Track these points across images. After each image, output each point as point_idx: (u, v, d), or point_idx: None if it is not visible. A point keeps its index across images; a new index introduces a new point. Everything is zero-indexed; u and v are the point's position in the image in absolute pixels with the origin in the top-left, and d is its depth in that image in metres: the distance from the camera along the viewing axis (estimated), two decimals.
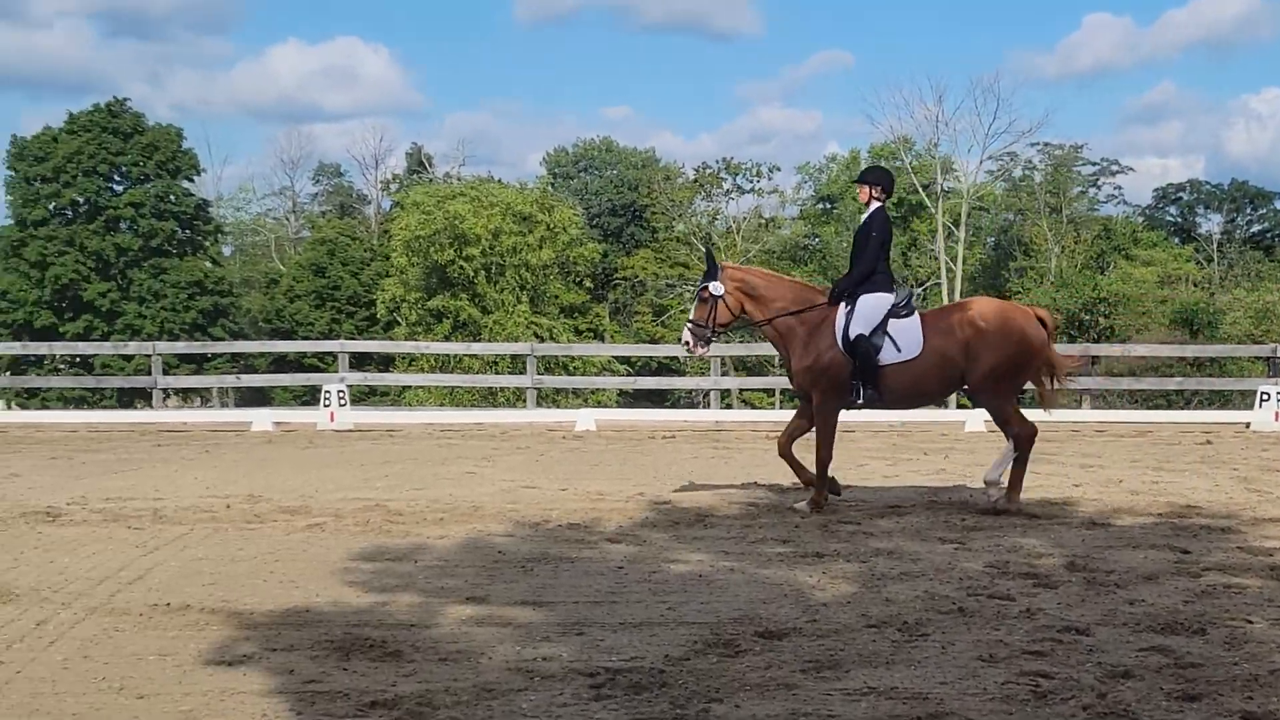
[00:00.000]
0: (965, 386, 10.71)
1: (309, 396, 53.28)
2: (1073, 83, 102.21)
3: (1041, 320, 10.74)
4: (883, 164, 52.76)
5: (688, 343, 10.92)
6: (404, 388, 47.02)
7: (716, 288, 10.73)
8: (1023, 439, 10.45)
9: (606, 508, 10.65)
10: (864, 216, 10.85)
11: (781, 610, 6.79)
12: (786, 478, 11.46)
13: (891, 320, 10.38)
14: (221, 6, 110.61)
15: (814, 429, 10.72)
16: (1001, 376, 10.38)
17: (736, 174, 72.00)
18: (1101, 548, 8.70)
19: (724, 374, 32.55)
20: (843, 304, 10.50)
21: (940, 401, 14.49)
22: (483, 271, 49.29)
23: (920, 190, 65.82)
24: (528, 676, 5.46)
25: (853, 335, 10.32)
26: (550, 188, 65.49)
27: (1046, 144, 70.19)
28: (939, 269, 65.30)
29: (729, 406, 41.39)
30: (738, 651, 5.92)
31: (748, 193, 72.93)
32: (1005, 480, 10.47)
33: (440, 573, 7.80)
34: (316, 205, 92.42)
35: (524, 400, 29.26)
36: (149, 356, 23.78)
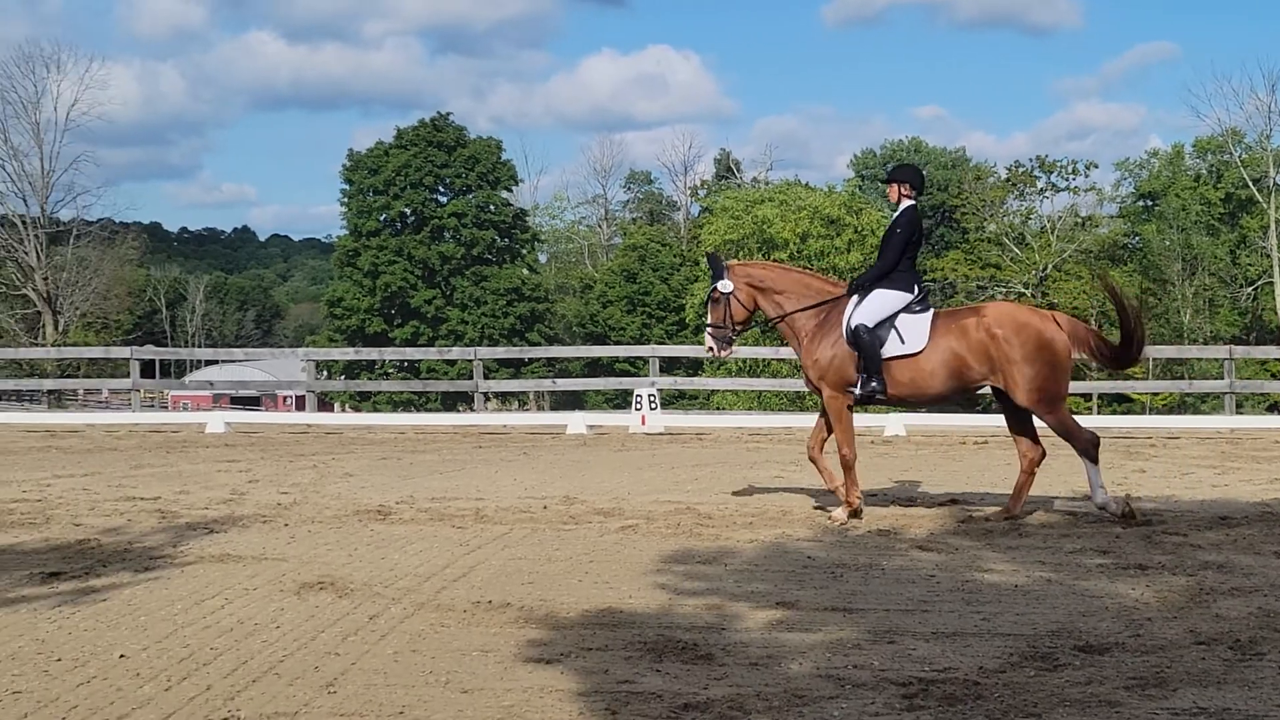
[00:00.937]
0: (992, 392, 10.38)
1: (621, 400, 54.49)
2: None
3: (1059, 324, 10.28)
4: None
5: (711, 348, 10.91)
6: (712, 391, 47.48)
7: (725, 285, 10.69)
8: (1089, 447, 10.10)
9: (916, 514, 10.50)
10: (894, 214, 10.69)
11: (1102, 624, 6.54)
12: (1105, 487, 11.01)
13: (902, 314, 10.25)
14: (541, 21, 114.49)
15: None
16: (1039, 387, 10.01)
17: (1051, 172, 69.78)
18: None
19: None
20: (855, 298, 10.38)
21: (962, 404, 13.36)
22: None
23: (1250, 185, 62.26)
24: (838, 684, 5.42)
25: (854, 325, 10.20)
26: (858, 190, 64.90)
27: None
28: (1271, 267, 61.62)
29: None
30: (1056, 665, 5.73)
31: (1063, 191, 70.56)
32: (1106, 490, 10.18)
33: (749, 577, 7.84)
34: (627, 212, 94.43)
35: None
36: (470, 361, 24.74)
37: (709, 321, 10.89)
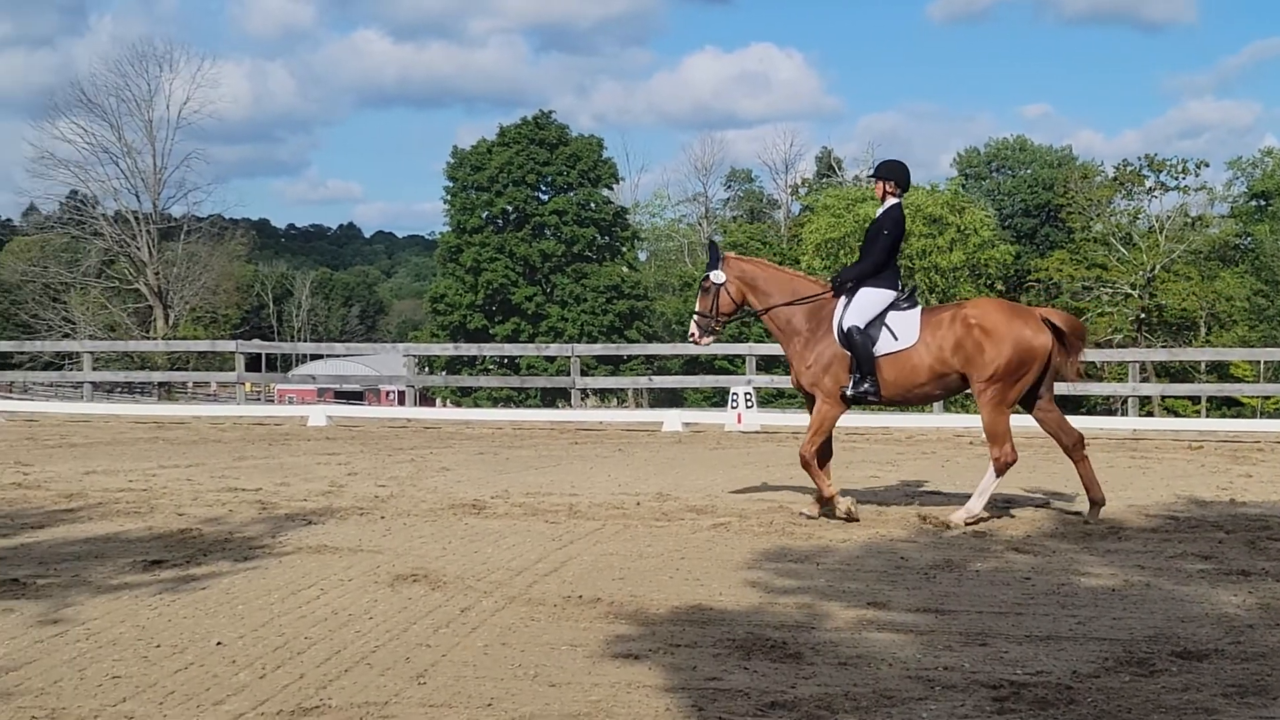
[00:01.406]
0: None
1: (718, 398, 54.44)
2: None
3: (1051, 322, 10.15)
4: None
5: (693, 334, 10.98)
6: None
7: (718, 276, 10.77)
8: (1000, 465, 10.06)
9: (1015, 516, 10.36)
10: (879, 211, 10.69)
11: (1201, 630, 6.40)
12: (1207, 491, 10.81)
13: (892, 312, 10.26)
14: (644, 18, 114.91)
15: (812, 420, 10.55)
16: (993, 380, 9.96)
17: (1160, 171, 68.39)
18: None
19: (1143, 379, 30.99)
20: (842, 299, 10.37)
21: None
22: None
23: None
24: (928, 685, 5.37)
25: (846, 327, 10.21)
26: (961, 189, 64.14)
27: None
28: None
29: (1149, 414, 39.36)
30: (1152, 671, 5.63)
31: (1172, 190, 69.14)
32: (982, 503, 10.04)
33: (841, 576, 7.79)
34: (728, 210, 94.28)
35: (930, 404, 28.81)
36: (569, 358, 24.86)
37: (696, 309, 11.02)
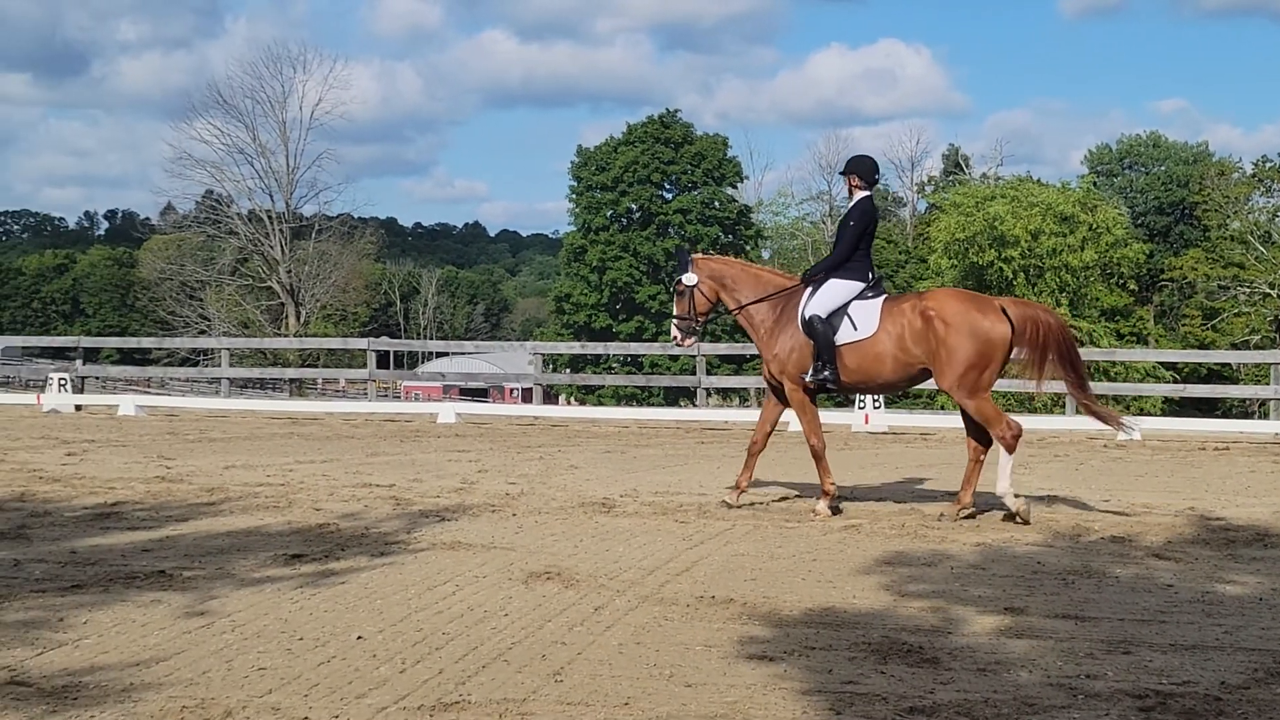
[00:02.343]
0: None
1: (841, 398, 53.98)
2: None
3: (1005, 312, 10.20)
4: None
5: (675, 338, 11.28)
6: (936, 390, 46.68)
7: (689, 279, 11.02)
8: (1008, 442, 10.21)
9: (1152, 522, 10.14)
10: (849, 205, 10.86)
11: None
12: None
13: (856, 302, 10.44)
14: (769, 16, 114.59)
15: (800, 422, 10.95)
16: (960, 374, 10.04)
17: None
18: None
19: None
20: (809, 289, 10.59)
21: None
22: (1021, 274, 48.00)
23: None
24: (1070, 694, 5.28)
25: (808, 315, 10.42)
26: (1093, 186, 62.83)
27: None
28: None
29: None
30: None
31: None
32: (1010, 485, 10.17)
33: (975, 580, 7.69)
34: None
35: (1062, 406, 28.29)
36: (693, 357, 24.85)
37: (674, 313, 11.26)
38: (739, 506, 10.74)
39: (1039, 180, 58.45)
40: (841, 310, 10.43)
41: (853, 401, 21.70)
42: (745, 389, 52.84)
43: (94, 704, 5.03)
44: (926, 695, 5.25)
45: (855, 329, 10.36)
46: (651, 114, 69.51)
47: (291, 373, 34.46)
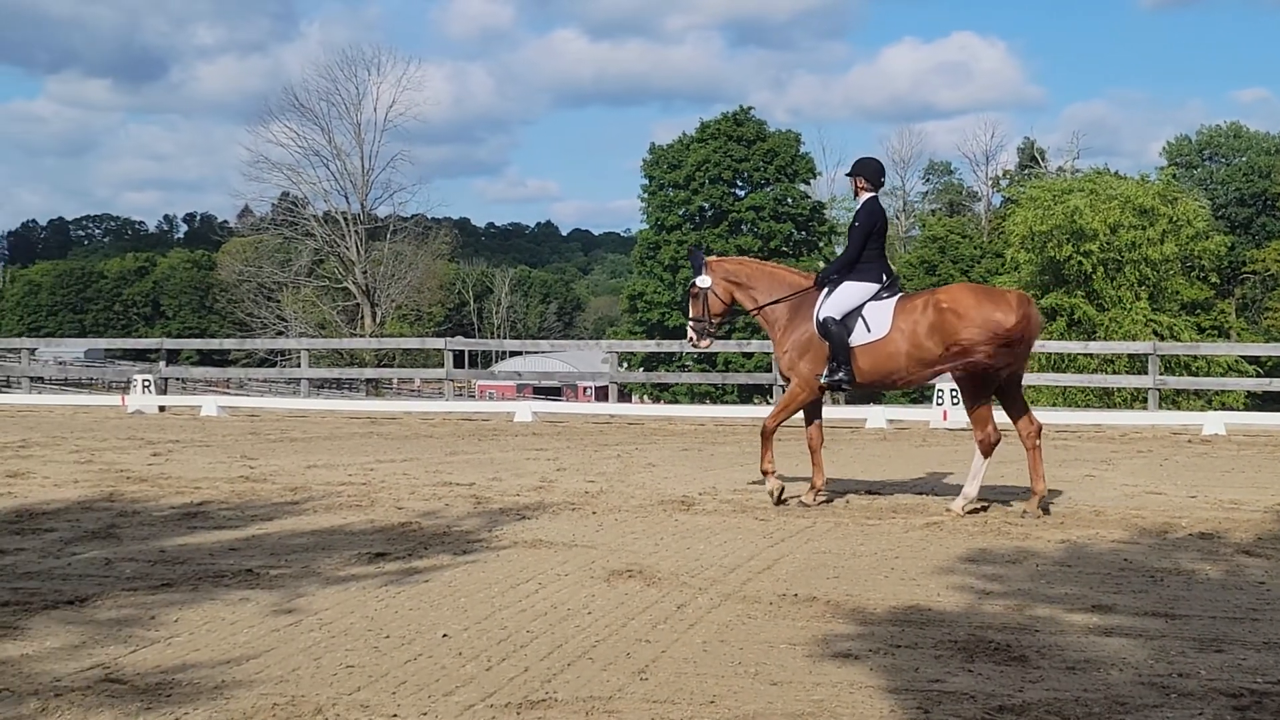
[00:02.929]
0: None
1: (916, 394, 53.57)
2: None
3: (1012, 304, 10.25)
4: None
5: (691, 339, 11.42)
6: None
7: (704, 281, 11.19)
8: (985, 446, 10.34)
9: (1241, 518, 9.98)
10: (856, 208, 11.00)
11: None
12: None
13: (870, 303, 10.57)
14: (841, 11, 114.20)
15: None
16: (968, 362, 10.10)
17: None
18: None
19: None
20: (824, 290, 10.74)
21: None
22: (1100, 267, 47.32)
23: None
24: (1163, 692, 5.20)
25: (822, 318, 10.57)
26: (1173, 178, 61.83)
27: None
28: None
29: None
30: None
31: None
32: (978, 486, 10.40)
33: (1062, 578, 7.60)
34: (926, 204, 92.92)
35: (1143, 401, 27.97)
36: (768, 354, 24.78)
37: (690, 315, 11.39)
38: (815, 505, 10.72)
39: (1116, 173, 57.59)
40: (856, 312, 10.59)
41: (931, 397, 21.55)
42: None
43: (187, 701, 5.10)
44: (1015, 694, 5.20)
45: (869, 330, 10.51)
46: (724, 111, 69.36)
47: (369, 372, 34.77)
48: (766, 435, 11.00)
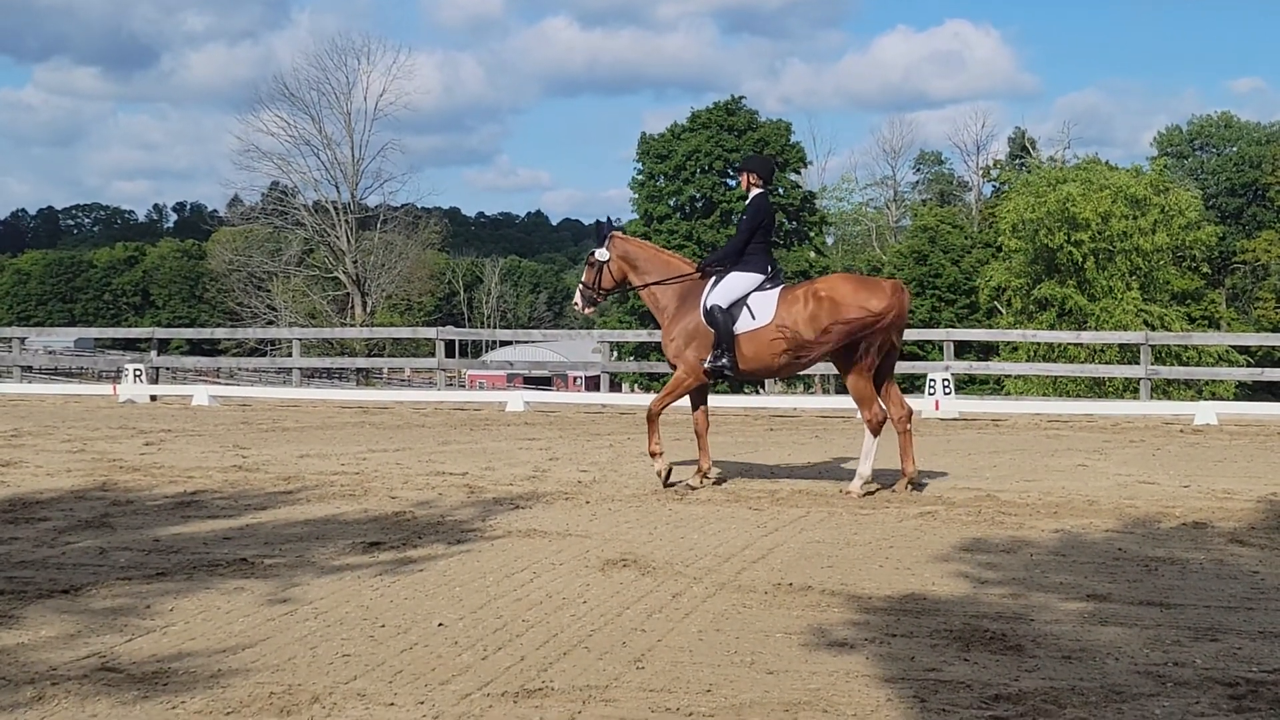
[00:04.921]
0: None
1: (907, 384, 53.67)
2: None
3: (887, 292, 10.76)
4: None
5: (577, 303, 11.97)
6: (1004, 376, 46.22)
7: (602, 254, 11.68)
8: (873, 425, 10.78)
9: (1234, 508, 10.00)
10: (746, 202, 11.44)
11: None
12: None
13: (755, 294, 10.98)
14: None
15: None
16: (846, 348, 10.61)
17: None
18: None
19: None
20: (711, 280, 11.14)
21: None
22: (1092, 257, 47.38)
23: None
24: (1159, 681, 5.21)
25: (709, 305, 10.95)
26: (1165, 169, 61.90)
27: None
28: None
29: None
30: None
31: None
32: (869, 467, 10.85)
33: (1057, 567, 7.61)
34: (917, 194, 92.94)
35: (1135, 391, 28.03)
36: None
37: (582, 279, 11.96)
38: (702, 486, 11.18)
39: (1108, 163, 57.64)
40: (741, 301, 10.98)
41: (923, 387, 21.58)
42: (810, 376, 52.68)
43: (184, 690, 5.10)
44: (1011, 683, 5.21)
45: (753, 318, 10.92)
46: (716, 100, 69.33)
47: (362, 362, 34.69)
48: (652, 418, 11.42)
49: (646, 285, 11.53)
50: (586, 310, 12.04)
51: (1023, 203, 48.37)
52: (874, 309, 10.57)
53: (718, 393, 43.57)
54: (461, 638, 5.93)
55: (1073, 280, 48.39)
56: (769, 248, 11.36)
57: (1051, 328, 46.16)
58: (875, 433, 10.82)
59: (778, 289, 11.03)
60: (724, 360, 10.91)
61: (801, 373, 12.40)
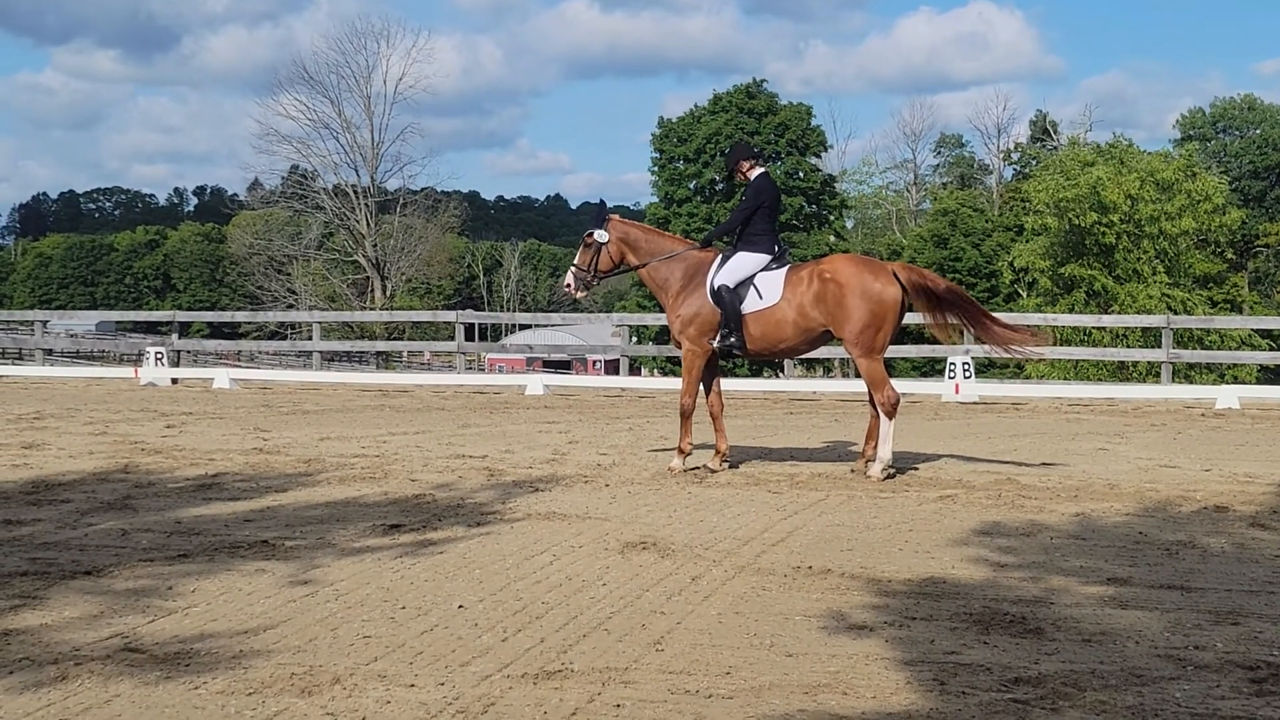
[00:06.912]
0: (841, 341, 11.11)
1: (927, 367, 53.52)
2: None
3: (897, 276, 10.87)
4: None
5: (569, 285, 11.76)
6: (1026, 360, 46.03)
7: (601, 235, 11.54)
8: (888, 408, 10.81)
9: (1255, 492, 9.97)
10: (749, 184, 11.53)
11: None
12: None
13: (762, 273, 11.08)
14: None
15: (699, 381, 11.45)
16: (856, 330, 10.70)
17: None
18: None
19: None
20: (718, 259, 11.24)
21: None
22: (1122, 238, 47.07)
23: None
24: (1179, 665, 5.20)
25: (716, 285, 11.05)
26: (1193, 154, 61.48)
27: None
28: None
29: None
30: None
31: None
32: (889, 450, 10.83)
33: (1077, 551, 7.60)
34: (938, 177, 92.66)
35: (1156, 375, 27.90)
36: None
37: (575, 262, 11.76)
38: (721, 470, 11.24)
39: (1130, 144, 57.28)
40: (748, 281, 11.08)
41: (943, 371, 21.53)
42: (830, 360, 52.62)
43: (206, 670, 5.13)
44: (1031, 666, 5.20)
45: (760, 298, 11.03)
46: (737, 83, 69.18)
47: (382, 345, 34.73)
48: (686, 415, 11.45)
49: (644, 264, 11.54)
50: (579, 294, 11.88)
51: (1054, 183, 48.02)
52: (878, 292, 10.68)
53: (737, 376, 43.50)
54: (481, 619, 5.94)
55: (1100, 262, 48.07)
56: (774, 228, 11.43)
57: (1072, 310, 45.94)
58: (890, 415, 10.83)
59: (784, 269, 11.14)
60: (732, 339, 11.02)
61: (819, 356, 12.50)
